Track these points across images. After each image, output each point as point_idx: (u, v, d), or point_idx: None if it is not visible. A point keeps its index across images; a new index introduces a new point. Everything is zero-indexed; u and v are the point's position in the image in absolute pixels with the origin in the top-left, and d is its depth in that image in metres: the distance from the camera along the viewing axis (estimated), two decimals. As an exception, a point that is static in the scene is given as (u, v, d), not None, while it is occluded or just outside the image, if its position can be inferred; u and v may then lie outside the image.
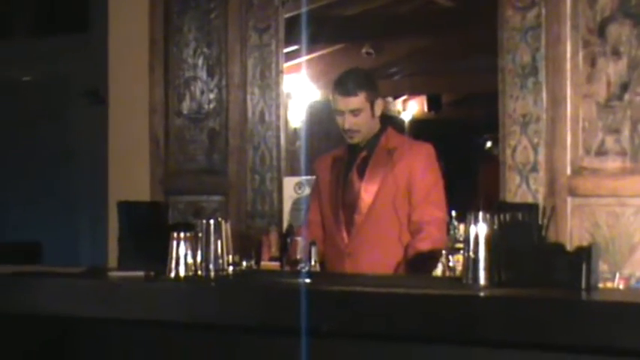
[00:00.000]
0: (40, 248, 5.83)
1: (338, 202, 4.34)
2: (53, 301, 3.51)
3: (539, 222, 3.19)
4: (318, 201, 4.47)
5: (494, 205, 3.27)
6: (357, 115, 4.26)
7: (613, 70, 4.59)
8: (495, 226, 3.15)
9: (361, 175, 4.31)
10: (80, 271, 3.83)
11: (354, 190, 4.31)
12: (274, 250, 5.01)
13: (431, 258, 4.18)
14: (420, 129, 9.05)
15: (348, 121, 4.27)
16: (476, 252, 3.15)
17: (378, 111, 4.32)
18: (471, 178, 7.89)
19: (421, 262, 4.12)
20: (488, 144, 8.18)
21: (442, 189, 4.28)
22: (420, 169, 4.25)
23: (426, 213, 4.20)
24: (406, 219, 4.23)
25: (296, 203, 5.35)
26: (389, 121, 4.55)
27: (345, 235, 4.29)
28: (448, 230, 4.89)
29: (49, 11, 6.99)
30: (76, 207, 6.46)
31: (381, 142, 4.32)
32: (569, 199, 4.67)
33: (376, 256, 4.22)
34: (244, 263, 3.82)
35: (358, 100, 4.26)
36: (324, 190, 4.43)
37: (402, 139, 4.46)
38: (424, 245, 4.15)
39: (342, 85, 4.29)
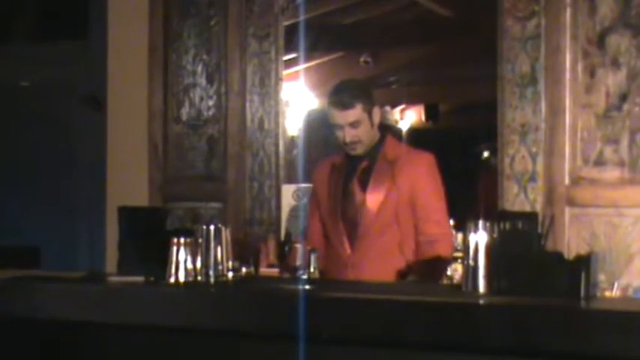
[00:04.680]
0: (39, 252, 5.82)
1: (338, 213, 4.30)
2: (53, 306, 3.52)
3: (539, 231, 3.21)
4: (317, 209, 4.44)
5: (496, 214, 3.28)
6: (356, 127, 4.20)
7: (612, 80, 4.61)
8: (495, 235, 3.17)
9: (363, 186, 4.27)
10: (80, 275, 3.83)
11: (355, 202, 4.27)
12: (272, 258, 5.01)
13: (443, 264, 4.20)
14: (417, 138, 9.03)
15: (348, 135, 4.21)
16: (476, 260, 3.17)
17: (376, 119, 4.27)
18: (467, 188, 7.90)
19: (433, 266, 4.12)
20: (486, 154, 8.19)
21: (444, 196, 4.27)
22: (423, 181, 4.22)
23: (437, 224, 4.19)
24: (408, 230, 4.21)
25: (294, 210, 5.35)
26: (387, 130, 4.54)
27: (347, 246, 4.26)
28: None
29: (48, 17, 6.99)
30: (74, 212, 6.46)
31: (381, 152, 4.28)
32: (567, 209, 4.68)
33: (379, 267, 4.19)
34: (244, 269, 3.82)
35: (355, 112, 4.20)
36: (323, 199, 4.39)
37: (403, 149, 4.41)
38: (442, 251, 4.16)
39: (338, 98, 4.22)
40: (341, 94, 4.24)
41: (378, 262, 4.20)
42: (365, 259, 4.22)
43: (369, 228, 4.23)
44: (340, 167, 4.36)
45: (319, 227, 4.40)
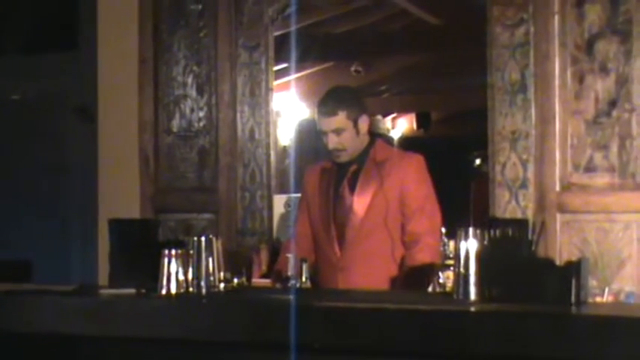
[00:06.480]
0: (30, 266, 5.81)
1: (329, 216, 4.31)
2: (45, 319, 3.50)
3: (530, 237, 3.21)
4: (307, 213, 4.43)
5: (486, 221, 3.28)
6: (339, 134, 4.22)
7: (601, 86, 4.63)
8: (486, 242, 3.17)
9: (352, 189, 4.28)
10: (72, 288, 3.82)
11: (345, 204, 4.28)
12: (264, 268, 5.01)
13: (429, 269, 4.17)
14: (409, 147, 9.02)
15: (331, 141, 4.23)
16: (466, 267, 3.17)
17: (363, 128, 4.27)
18: (460, 196, 7.89)
19: (420, 273, 4.10)
20: (478, 161, 8.19)
21: (435, 199, 4.27)
22: (411, 181, 4.23)
23: (422, 224, 4.18)
24: (397, 233, 4.21)
25: (285, 219, 5.35)
26: (378, 136, 4.54)
27: (337, 250, 4.27)
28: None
29: (38, 29, 6.99)
30: (66, 224, 6.45)
31: (370, 155, 4.29)
32: (558, 216, 4.69)
33: (369, 270, 4.20)
34: (235, 280, 3.81)
35: (339, 120, 4.21)
36: (314, 203, 4.39)
37: (392, 151, 4.43)
38: (423, 256, 4.13)
39: (323, 105, 4.25)
40: (327, 101, 4.27)
41: (368, 266, 4.20)
42: (354, 262, 4.22)
43: (357, 230, 4.23)
44: (331, 171, 4.37)
45: (307, 231, 4.40)
